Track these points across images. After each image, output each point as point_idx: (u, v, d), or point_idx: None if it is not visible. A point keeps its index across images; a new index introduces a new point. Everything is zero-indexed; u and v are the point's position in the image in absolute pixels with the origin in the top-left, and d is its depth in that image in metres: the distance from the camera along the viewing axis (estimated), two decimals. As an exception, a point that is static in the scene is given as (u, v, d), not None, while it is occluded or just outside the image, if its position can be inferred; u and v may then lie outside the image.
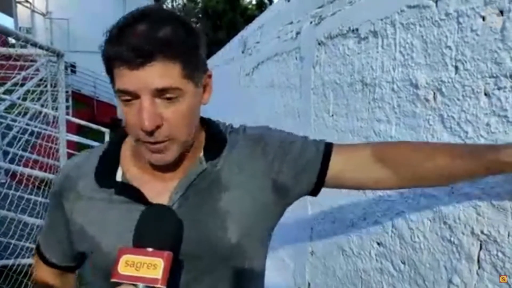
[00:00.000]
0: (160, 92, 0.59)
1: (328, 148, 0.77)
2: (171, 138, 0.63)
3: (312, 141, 0.80)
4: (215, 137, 0.73)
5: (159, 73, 0.58)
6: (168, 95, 0.60)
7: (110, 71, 0.62)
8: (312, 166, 0.75)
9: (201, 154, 0.72)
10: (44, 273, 0.83)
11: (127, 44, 0.57)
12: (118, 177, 0.71)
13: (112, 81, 0.62)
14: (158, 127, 0.60)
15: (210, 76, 0.69)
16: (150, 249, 0.56)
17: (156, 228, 0.60)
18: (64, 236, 0.75)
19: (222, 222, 0.69)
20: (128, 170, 0.71)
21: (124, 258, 0.56)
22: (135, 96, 0.59)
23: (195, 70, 0.63)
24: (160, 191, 0.69)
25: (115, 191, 0.69)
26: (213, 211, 0.69)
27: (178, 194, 0.69)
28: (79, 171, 0.73)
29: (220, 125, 0.78)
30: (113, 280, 0.55)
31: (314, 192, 0.79)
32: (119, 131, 0.77)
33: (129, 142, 0.74)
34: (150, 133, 0.60)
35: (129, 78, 0.58)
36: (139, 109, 0.59)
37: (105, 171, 0.71)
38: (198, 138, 0.72)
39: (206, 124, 0.76)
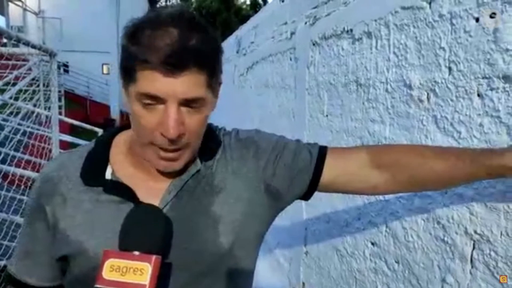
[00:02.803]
0: (187, 101, 0.59)
1: (322, 151, 0.76)
2: (187, 147, 0.63)
3: (306, 145, 0.78)
4: (210, 139, 0.72)
5: (191, 83, 0.58)
6: (193, 105, 0.60)
7: (131, 71, 0.59)
8: (306, 170, 0.74)
9: (196, 155, 0.71)
10: None
11: (162, 50, 0.55)
12: (108, 175, 0.68)
13: (131, 80, 0.59)
14: (180, 135, 0.60)
15: (220, 84, 0.69)
16: (136, 253, 0.54)
17: (143, 230, 0.57)
18: (48, 245, 0.69)
19: (215, 226, 0.68)
20: (118, 169, 0.69)
21: (109, 262, 0.53)
22: (161, 101, 0.58)
23: (217, 80, 0.63)
24: (153, 190, 0.67)
25: (104, 190, 0.66)
26: (206, 214, 0.68)
27: (171, 194, 0.67)
28: (60, 172, 0.69)
29: (213, 127, 0.77)
30: (97, 285, 0.52)
31: (306, 196, 0.78)
32: (107, 132, 0.75)
33: (120, 142, 0.72)
34: (172, 141, 0.60)
35: (159, 84, 0.57)
36: (164, 115, 0.58)
37: (93, 170, 0.68)
38: None
39: None
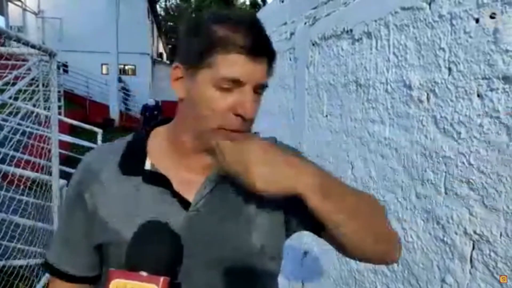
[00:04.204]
0: (259, 87, 0.65)
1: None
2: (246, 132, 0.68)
3: None
4: None
5: (265, 70, 0.64)
6: (260, 91, 0.66)
7: (206, 56, 0.62)
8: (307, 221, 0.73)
9: None
10: None
11: (249, 37, 0.61)
12: (147, 166, 0.70)
13: (203, 66, 0.62)
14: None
15: None
16: (144, 273, 0.52)
17: (151, 249, 0.56)
18: (87, 233, 0.71)
19: (247, 225, 0.69)
20: (157, 162, 0.70)
21: (115, 282, 0.51)
22: (238, 85, 0.62)
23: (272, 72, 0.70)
24: (188, 184, 0.69)
25: (143, 179, 0.68)
26: (240, 213, 0.69)
27: (207, 189, 0.69)
28: (100, 162, 0.72)
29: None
30: None
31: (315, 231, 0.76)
32: (140, 130, 0.77)
33: (158, 135, 0.74)
34: (247, 121, 0.64)
35: (243, 68, 0.62)
36: (242, 97, 0.63)
37: (132, 160, 0.71)
38: None
39: None
